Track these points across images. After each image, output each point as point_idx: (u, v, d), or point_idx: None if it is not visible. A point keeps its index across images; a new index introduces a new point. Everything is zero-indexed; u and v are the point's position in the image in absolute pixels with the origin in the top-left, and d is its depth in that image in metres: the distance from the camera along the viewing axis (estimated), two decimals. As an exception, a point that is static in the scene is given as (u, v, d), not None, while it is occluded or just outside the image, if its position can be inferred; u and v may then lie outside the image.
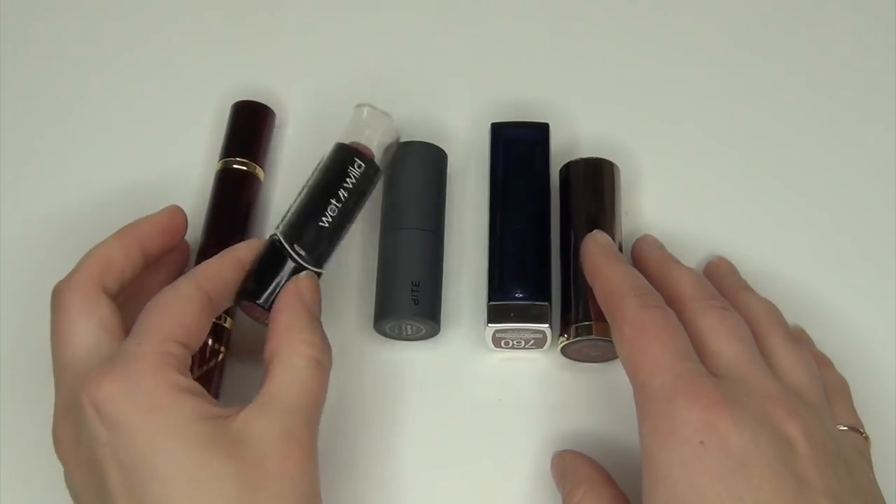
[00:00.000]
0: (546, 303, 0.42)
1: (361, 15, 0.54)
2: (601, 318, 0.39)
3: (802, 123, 0.49)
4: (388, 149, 0.44)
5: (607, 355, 0.42)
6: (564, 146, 0.48)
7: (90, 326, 0.36)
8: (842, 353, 0.42)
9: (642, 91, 0.51)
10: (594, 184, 0.45)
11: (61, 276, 0.38)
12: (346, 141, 0.42)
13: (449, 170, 0.47)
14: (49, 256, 0.45)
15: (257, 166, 0.47)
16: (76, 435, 0.33)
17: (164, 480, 0.31)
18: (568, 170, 0.45)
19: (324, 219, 0.40)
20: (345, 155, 0.41)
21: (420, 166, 0.45)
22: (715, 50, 0.52)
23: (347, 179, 0.41)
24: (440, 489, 0.40)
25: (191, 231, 0.46)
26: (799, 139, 0.49)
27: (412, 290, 0.42)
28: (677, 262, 0.42)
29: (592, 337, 0.40)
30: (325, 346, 0.36)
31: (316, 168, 0.42)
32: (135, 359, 0.33)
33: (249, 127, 0.48)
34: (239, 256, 0.39)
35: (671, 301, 0.38)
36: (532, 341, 0.42)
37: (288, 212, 0.40)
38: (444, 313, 0.44)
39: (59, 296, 0.37)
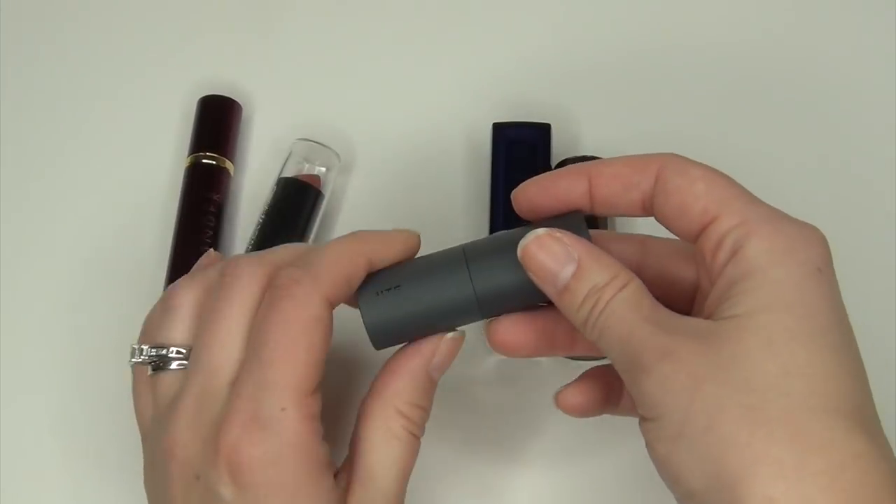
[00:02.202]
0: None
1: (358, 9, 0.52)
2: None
3: (802, 127, 0.49)
4: (329, 173, 0.45)
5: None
6: (566, 147, 0.47)
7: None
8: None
9: (644, 92, 0.50)
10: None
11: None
12: (288, 174, 0.45)
13: (449, 170, 0.47)
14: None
15: (227, 160, 0.46)
16: (189, 450, 0.31)
17: None
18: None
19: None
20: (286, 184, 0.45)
21: None
22: (717, 51, 0.51)
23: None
24: (440, 488, 0.40)
25: (163, 227, 0.45)
26: (799, 143, 0.49)
27: None
28: None
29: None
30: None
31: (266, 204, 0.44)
32: (281, 429, 0.30)
33: (217, 121, 0.47)
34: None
35: None
36: (531, 341, 0.41)
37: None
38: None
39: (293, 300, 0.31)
